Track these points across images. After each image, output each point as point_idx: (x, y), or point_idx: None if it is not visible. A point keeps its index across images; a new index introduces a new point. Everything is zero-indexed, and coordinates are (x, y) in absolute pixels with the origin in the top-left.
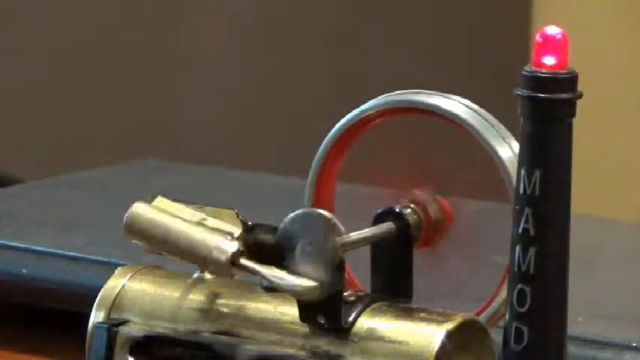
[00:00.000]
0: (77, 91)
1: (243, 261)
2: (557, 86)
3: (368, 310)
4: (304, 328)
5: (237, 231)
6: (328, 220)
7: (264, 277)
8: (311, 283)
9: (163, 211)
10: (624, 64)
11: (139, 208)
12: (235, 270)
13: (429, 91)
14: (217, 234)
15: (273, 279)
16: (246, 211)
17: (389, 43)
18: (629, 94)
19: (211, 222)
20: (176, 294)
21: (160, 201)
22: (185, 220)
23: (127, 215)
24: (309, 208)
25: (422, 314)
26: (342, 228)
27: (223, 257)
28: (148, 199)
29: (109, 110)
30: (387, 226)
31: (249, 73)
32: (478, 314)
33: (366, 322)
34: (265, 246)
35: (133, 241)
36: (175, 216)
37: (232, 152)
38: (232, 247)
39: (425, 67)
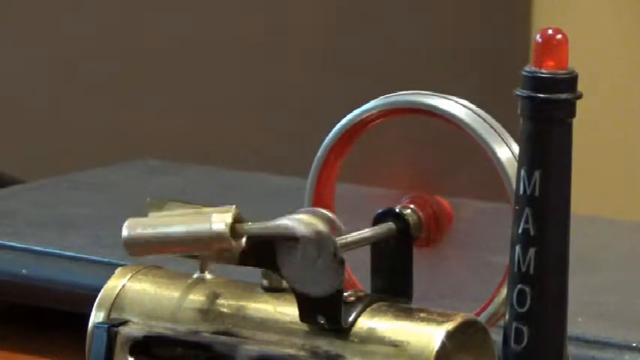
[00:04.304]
0: (77, 91)
1: (242, 226)
2: (557, 86)
3: (368, 310)
4: (304, 328)
5: (232, 208)
6: (328, 220)
7: (267, 227)
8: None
9: (157, 215)
10: (624, 64)
11: (133, 224)
12: (237, 239)
13: (429, 92)
14: (213, 212)
15: (279, 222)
16: (246, 211)
17: (389, 44)
18: (629, 94)
19: (207, 210)
20: (176, 294)
21: (152, 207)
22: (181, 215)
23: (123, 236)
24: (309, 208)
25: (422, 314)
26: (342, 227)
27: (223, 226)
28: (147, 200)
29: (108, 110)
30: (387, 226)
31: (249, 73)
32: (478, 314)
33: (366, 323)
34: (264, 246)
35: (137, 256)
36: (170, 215)
37: (232, 152)
38: (229, 217)
39: (425, 68)
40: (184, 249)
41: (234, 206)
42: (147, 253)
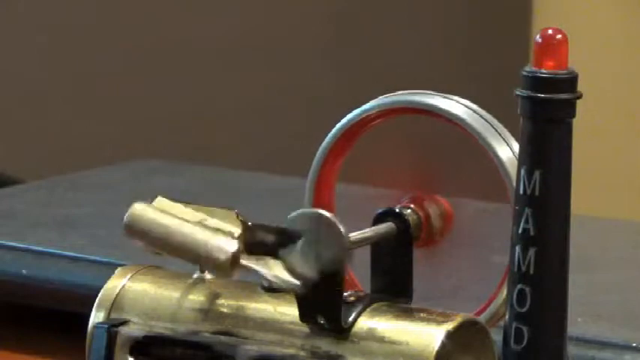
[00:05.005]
0: (77, 91)
1: (243, 261)
2: (557, 86)
3: (368, 310)
4: (304, 328)
5: (237, 231)
6: (329, 219)
7: (264, 276)
8: (309, 281)
9: (163, 211)
10: (624, 64)
11: (139, 209)
12: (235, 270)
13: (429, 92)
14: (217, 234)
15: (273, 279)
16: (246, 211)
17: (389, 44)
18: (629, 94)
19: (211, 222)
20: (176, 294)
21: (160, 201)
22: (185, 220)
23: (127, 215)
24: (309, 209)
25: (422, 314)
26: (343, 228)
27: (223, 257)
28: (148, 200)
29: (109, 110)
30: (387, 226)
31: (249, 73)
32: (478, 314)
33: (366, 323)
34: (265, 246)
35: (133, 242)
36: (175, 216)
37: (232, 152)
38: (232, 246)
39: (425, 67)
40: (182, 258)
41: (239, 231)
42: (142, 242)
